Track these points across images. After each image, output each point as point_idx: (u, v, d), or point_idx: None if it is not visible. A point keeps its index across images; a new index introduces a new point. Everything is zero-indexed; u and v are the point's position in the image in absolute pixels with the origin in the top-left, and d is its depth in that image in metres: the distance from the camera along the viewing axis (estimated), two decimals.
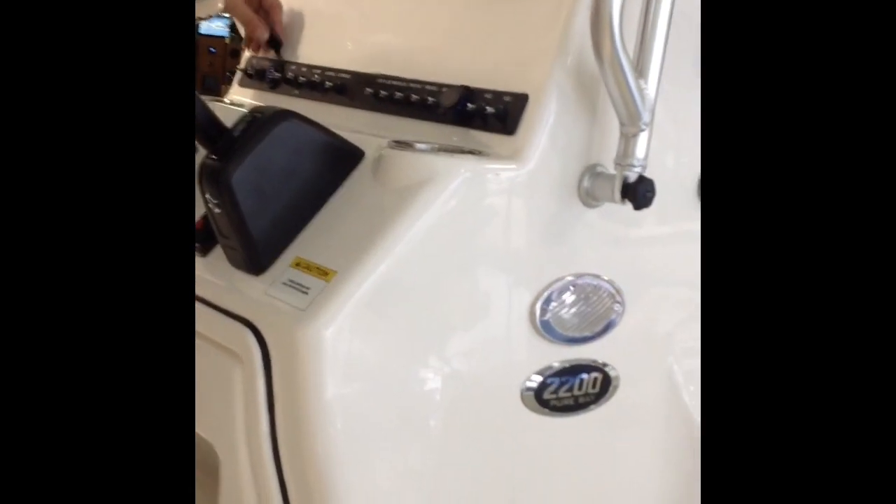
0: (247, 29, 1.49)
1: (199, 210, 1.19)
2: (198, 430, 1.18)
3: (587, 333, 1.15)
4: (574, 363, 1.15)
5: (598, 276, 1.15)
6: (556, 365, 1.14)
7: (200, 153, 1.16)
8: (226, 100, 1.53)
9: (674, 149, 1.18)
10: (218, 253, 1.16)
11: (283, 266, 1.08)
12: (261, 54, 1.51)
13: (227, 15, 1.57)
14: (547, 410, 1.14)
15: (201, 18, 1.08)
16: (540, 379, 1.13)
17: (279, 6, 1.50)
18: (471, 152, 1.10)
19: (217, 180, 1.06)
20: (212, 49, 5.91)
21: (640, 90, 1.05)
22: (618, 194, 1.08)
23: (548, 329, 1.12)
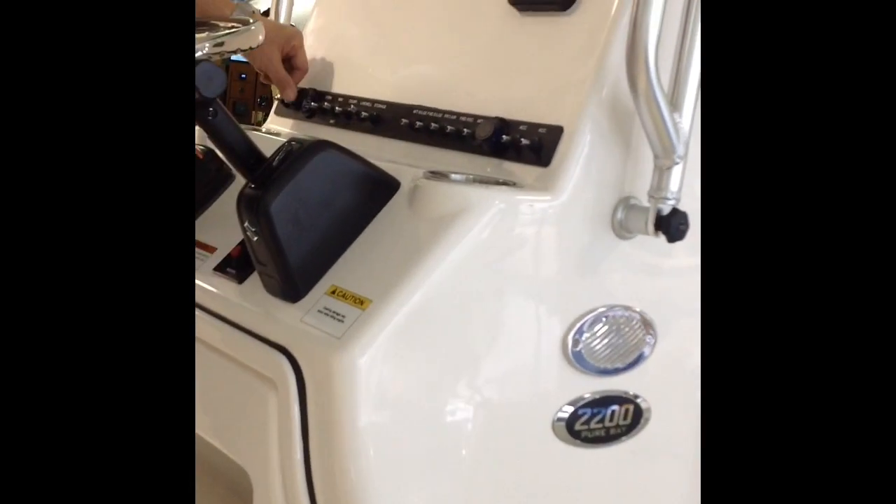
0: (280, 88, 1.56)
1: (237, 237, 1.21)
2: (231, 455, 1.19)
3: (619, 365, 1.16)
4: (605, 394, 1.15)
5: (629, 308, 1.15)
6: (588, 396, 1.14)
7: (239, 182, 1.18)
8: (263, 129, 1.55)
9: None
10: (255, 280, 1.17)
11: (319, 294, 1.10)
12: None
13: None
14: (578, 441, 1.14)
15: (241, 50, 1.09)
16: (571, 409, 1.13)
17: (305, 70, 1.56)
18: (505, 183, 1.11)
19: (256, 209, 1.08)
20: (243, 75, 5.98)
21: (675, 123, 1.06)
22: (651, 227, 1.09)
23: (580, 360, 1.13)
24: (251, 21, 1.17)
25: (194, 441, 0.80)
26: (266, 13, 1.81)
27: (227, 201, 1.34)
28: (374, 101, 1.38)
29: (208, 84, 1.08)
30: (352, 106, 1.41)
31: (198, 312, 1.24)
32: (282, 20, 1.67)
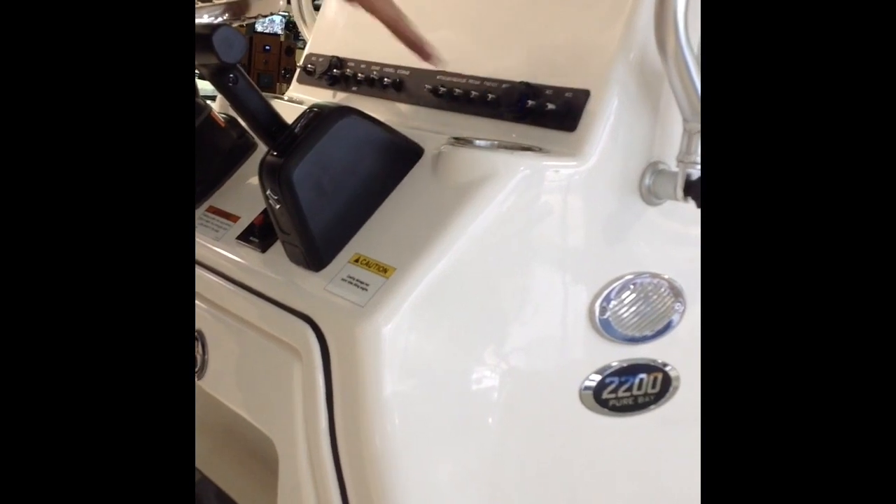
0: (416, 48, 1.18)
1: (260, 206, 1.20)
2: (257, 424, 1.19)
3: (647, 333, 1.14)
4: (633, 363, 1.14)
5: (658, 275, 1.13)
6: (615, 364, 1.13)
7: (261, 149, 1.17)
8: (285, 97, 1.54)
9: None
10: (277, 249, 1.16)
11: (342, 262, 1.09)
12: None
13: (284, 13, 1.57)
14: (606, 410, 1.13)
15: (262, 15, 1.08)
16: (599, 378, 1.12)
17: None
18: (530, 149, 1.09)
19: (278, 177, 1.07)
20: (267, 47, 5.97)
21: None
22: (680, 192, 1.07)
23: (607, 328, 1.11)
24: None
25: (194, 436, 0.79)
26: None
27: (250, 170, 1.34)
28: (396, 67, 1.36)
29: (228, 50, 1.07)
30: (374, 72, 1.40)
31: (221, 281, 1.23)
32: None
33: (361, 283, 1.04)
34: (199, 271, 1.25)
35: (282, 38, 5.85)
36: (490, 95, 1.20)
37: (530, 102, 1.15)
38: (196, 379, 1.27)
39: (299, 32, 1.64)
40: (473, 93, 1.23)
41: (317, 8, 1.68)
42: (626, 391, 1.14)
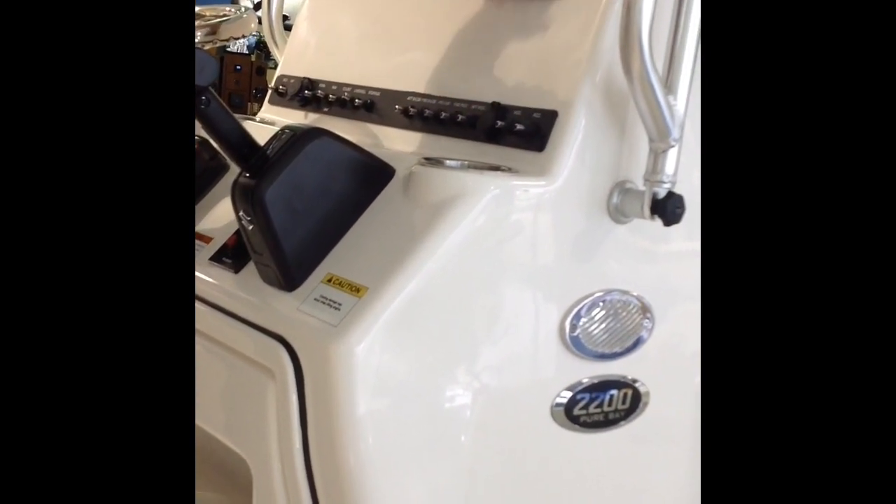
0: None
1: (233, 227, 1.21)
2: (231, 444, 1.19)
3: (616, 349, 1.16)
4: (603, 379, 1.15)
5: (627, 292, 1.15)
6: (586, 381, 1.14)
7: (233, 171, 1.17)
8: (257, 118, 1.54)
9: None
10: (250, 269, 1.17)
11: (315, 282, 1.10)
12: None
13: (255, 33, 1.58)
14: (577, 426, 1.14)
15: (234, 38, 1.09)
16: (570, 395, 1.13)
17: None
18: (500, 169, 1.11)
19: (251, 197, 1.07)
20: (238, 67, 5.95)
21: (670, 106, 1.06)
22: (647, 210, 1.09)
23: (577, 345, 1.12)
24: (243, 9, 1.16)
25: (194, 435, 0.80)
26: (259, 5, 1.81)
27: (222, 191, 1.34)
28: (367, 89, 1.38)
29: (200, 72, 1.08)
30: (345, 93, 1.41)
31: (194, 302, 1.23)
32: (274, 9, 1.67)
33: (334, 302, 1.05)
34: None
35: (252, 59, 5.84)
36: (460, 116, 1.22)
37: (500, 123, 1.16)
38: None
39: (270, 53, 1.65)
40: (444, 113, 1.24)
41: (288, 28, 1.69)
42: (597, 407, 1.15)
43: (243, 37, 1.16)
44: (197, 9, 1.10)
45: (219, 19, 1.12)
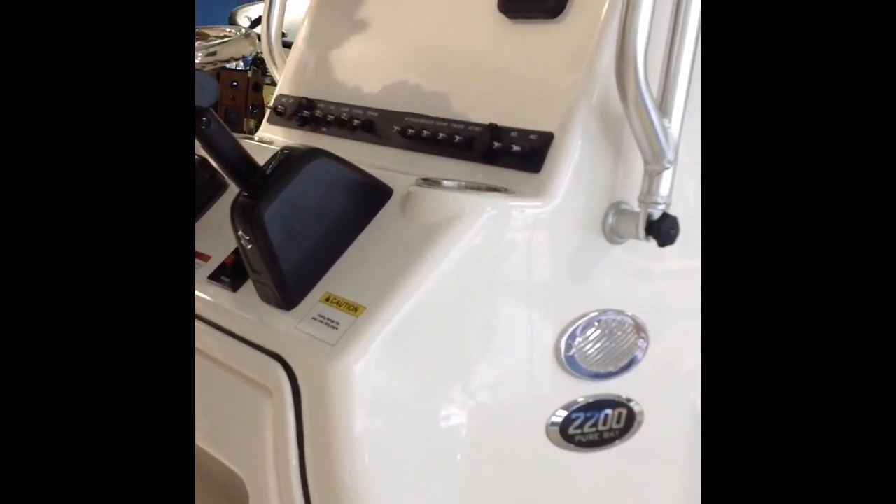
0: None
1: (231, 246, 1.21)
2: (227, 462, 1.20)
3: (611, 369, 1.16)
4: (598, 398, 1.16)
5: (622, 312, 1.16)
6: (581, 400, 1.15)
7: (232, 190, 1.18)
8: (255, 137, 1.56)
9: (696, 183, 1.20)
10: (249, 288, 1.18)
11: (312, 301, 1.10)
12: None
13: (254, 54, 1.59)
14: (572, 446, 1.15)
15: (234, 59, 1.10)
16: (565, 414, 1.14)
17: None
18: (496, 189, 1.12)
19: (249, 217, 1.08)
20: (234, 83, 5.96)
21: (665, 129, 1.07)
22: (642, 231, 1.10)
23: (573, 364, 1.13)
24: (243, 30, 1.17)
25: (194, 451, 0.81)
26: (258, 21, 1.82)
27: (221, 210, 1.35)
28: (366, 109, 1.39)
29: (201, 94, 1.09)
30: (344, 113, 1.42)
31: None
32: (273, 28, 1.68)
33: (332, 321, 1.06)
34: None
35: (249, 75, 5.85)
36: (457, 137, 1.23)
37: (496, 144, 1.18)
38: None
39: (267, 69, 1.66)
40: (441, 134, 1.25)
41: (286, 45, 1.71)
42: (592, 427, 1.16)
43: (243, 58, 1.17)
44: (200, 29, 1.11)
45: (220, 41, 1.13)
